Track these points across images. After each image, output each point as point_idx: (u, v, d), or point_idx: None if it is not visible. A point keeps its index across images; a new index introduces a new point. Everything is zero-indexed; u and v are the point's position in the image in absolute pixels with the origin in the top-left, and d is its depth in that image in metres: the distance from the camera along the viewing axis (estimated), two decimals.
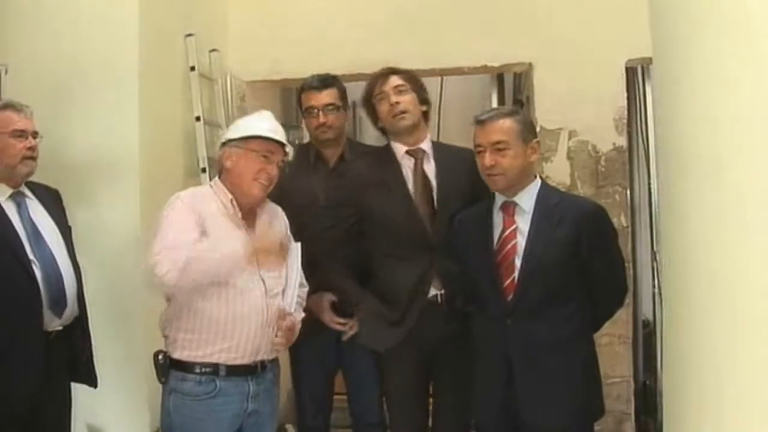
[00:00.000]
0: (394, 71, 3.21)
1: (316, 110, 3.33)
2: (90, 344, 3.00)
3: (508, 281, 2.77)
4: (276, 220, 2.88)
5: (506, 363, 2.76)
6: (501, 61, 4.31)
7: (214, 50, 4.14)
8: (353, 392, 3.40)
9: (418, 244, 3.07)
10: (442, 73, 4.55)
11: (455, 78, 5.00)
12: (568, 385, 2.76)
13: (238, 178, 2.74)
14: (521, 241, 2.77)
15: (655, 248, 4.22)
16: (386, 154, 3.21)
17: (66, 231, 2.96)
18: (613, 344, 4.01)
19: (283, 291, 2.79)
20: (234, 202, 2.74)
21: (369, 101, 3.23)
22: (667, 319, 2.23)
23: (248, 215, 2.79)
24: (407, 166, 3.15)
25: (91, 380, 3.00)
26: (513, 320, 2.75)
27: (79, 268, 2.95)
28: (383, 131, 3.26)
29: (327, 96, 3.36)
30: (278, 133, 2.79)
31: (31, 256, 2.73)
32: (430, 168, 3.15)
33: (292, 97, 4.69)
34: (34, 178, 2.97)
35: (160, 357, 2.71)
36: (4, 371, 2.63)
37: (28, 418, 2.72)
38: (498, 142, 2.74)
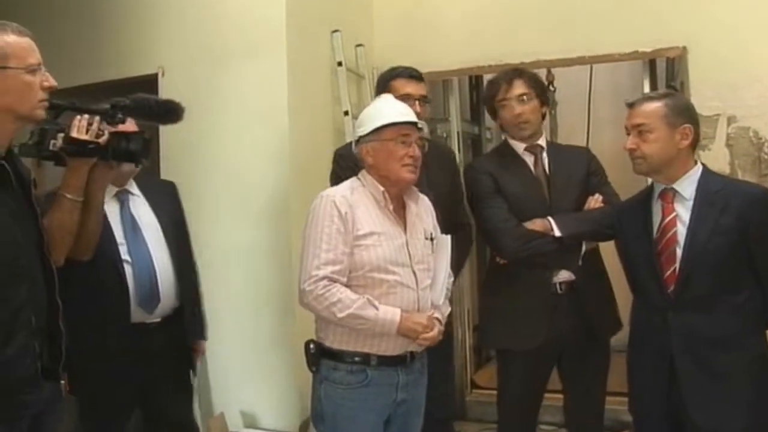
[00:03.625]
0: (520, 73, 3.28)
1: (410, 99, 3.30)
2: (196, 331, 3.08)
3: (669, 271, 2.68)
4: (424, 211, 2.87)
5: (667, 357, 2.67)
6: (653, 46, 4.18)
7: (360, 45, 4.21)
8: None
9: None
10: (592, 60, 4.45)
11: (605, 66, 4.90)
12: (737, 385, 2.63)
13: (384, 169, 2.73)
14: (682, 230, 2.69)
15: None
16: (506, 149, 3.34)
17: (173, 225, 3.01)
18: None
19: (432, 284, 2.79)
20: (386, 194, 2.75)
21: (491, 102, 3.32)
22: None
23: (398, 205, 2.79)
24: (528, 160, 3.28)
25: (191, 366, 3.09)
26: (675, 312, 2.66)
27: (187, 261, 3.02)
28: (502, 128, 3.39)
29: (423, 88, 3.41)
30: (406, 114, 2.77)
31: (125, 256, 2.82)
32: (545, 161, 3.28)
33: (440, 91, 4.74)
34: (175, 171, 3.10)
35: (311, 346, 2.75)
36: (98, 362, 2.75)
37: (141, 402, 2.90)
38: (640, 125, 2.71)
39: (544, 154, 3.30)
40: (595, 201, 3.23)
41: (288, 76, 3.59)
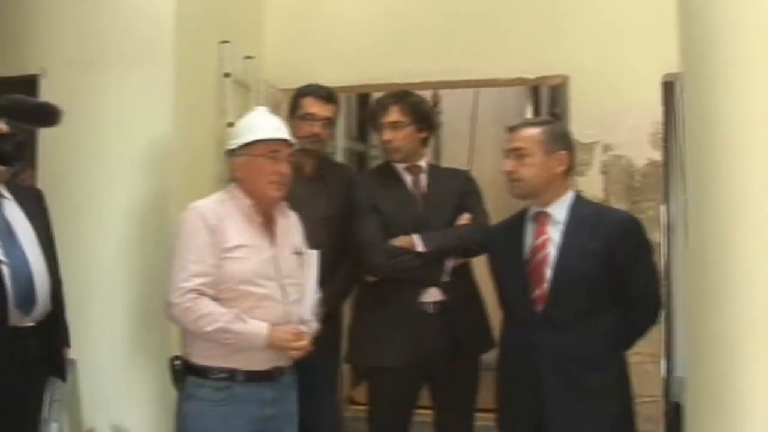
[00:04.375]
0: (397, 100, 3.35)
1: (313, 119, 3.39)
2: (62, 339, 3.00)
3: (539, 291, 2.78)
4: (292, 226, 2.91)
5: (535, 375, 2.75)
6: (536, 74, 4.30)
7: (249, 57, 4.17)
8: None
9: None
10: (477, 84, 4.57)
11: (490, 90, 5.02)
12: (601, 402, 2.74)
13: (252, 185, 2.76)
14: (552, 252, 2.78)
15: None
16: (388, 168, 3.43)
17: (44, 231, 2.93)
18: (644, 363, 3.94)
19: (301, 298, 2.81)
20: (254, 208, 2.76)
21: (372, 123, 3.44)
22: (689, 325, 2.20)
23: (266, 219, 2.80)
24: (407, 180, 3.38)
25: (61, 374, 3.00)
26: (543, 331, 2.75)
27: (56, 266, 2.94)
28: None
29: (329, 110, 3.46)
30: (278, 130, 2.79)
31: (1, 257, 2.74)
32: (424, 181, 3.38)
33: None
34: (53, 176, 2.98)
35: (176, 362, 2.72)
36: None
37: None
38: (518, 149, 2.81)
39: (423, 175, 3.37)
40: (464, 218, 3.31)
41: (174, 85, 3.53)
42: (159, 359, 3.39)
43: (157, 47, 3.54)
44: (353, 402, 4.79)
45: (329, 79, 3.75)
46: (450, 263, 3.24)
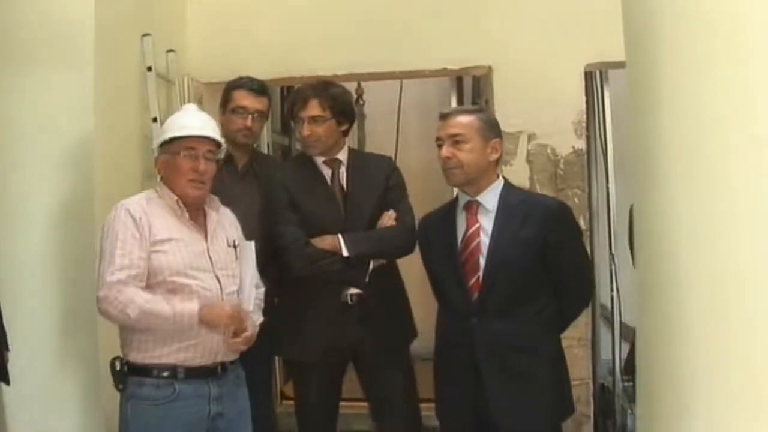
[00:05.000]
0: (316, 93, 3.26)
1: (245, 112, 3.36)
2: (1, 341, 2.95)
3: (473, 280, 2.81)
4: (227, 220, 2.89)
5: (472, 362, 2.78)
6: (460, 65, 4.35)
7: (171, 51, 4.12)
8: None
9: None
10: (402, 76, 4.59)
11: (414, 82, 5.05)
12: (538, 386, 2.79)
13: (173, 183, 2.76)
14: (485, 240, 2.81)
15: (612, 250, 4.30)
16: (305, 160, 3.36)
17: None
18: (572, 347, 4.00)
19: (239, 289, 2.80)
20: (180, 203, 2.75)
21: (291, 113, 3.34)
22: (644, 319, 2.26)
23: (197, 214, 2.80)
24: (326, 174, 3.31)
25: (4, 378, 2.97)
26: (478, 319, 2.78)
27: None
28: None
29: (261, 103, 3.43)
30: (198, 128, 2.76)
31: None
32: (343, 176, 3.31)
33: None
34: None
35: (117, 363, 2.68)
36: None
37: None
38: (456, 135, 2.80)
39: (342, 169, 3.32)
40: (388, 218, 3.27)
41: (95, 81, 3.45)
42: (86, 363, 3.38)
43: (76, 42, 3.45)
44: (286, 397, 4.78)
45: (253, 71, 3.71)
46: (371, 265, 3.24)
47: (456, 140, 2.81)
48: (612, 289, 4.34)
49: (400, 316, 3.36)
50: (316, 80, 3.59)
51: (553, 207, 2.94)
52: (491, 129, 2.87)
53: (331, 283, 3.21)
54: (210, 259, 2.73)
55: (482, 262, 2.80)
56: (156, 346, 2.64)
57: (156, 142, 2.78)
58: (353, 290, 3.22)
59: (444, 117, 2.88)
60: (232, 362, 2.78)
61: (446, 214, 2.96)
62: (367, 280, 3.21)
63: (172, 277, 2.65)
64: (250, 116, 3.37)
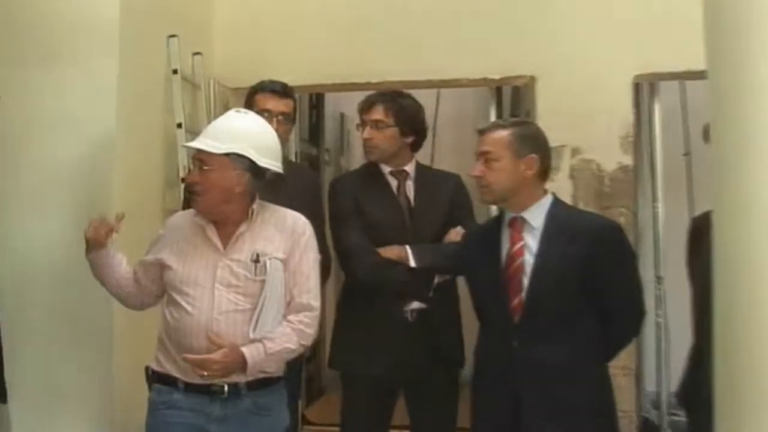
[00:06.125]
0: (383, 99, 3.33)
1: (270, 115, 3.28)
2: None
3: (516, 301, 2.73)
4: (270, 229, 2.75)
5: (512, 390, 2.69)
6: (501, 74, 4.26)
7: (197, 53, 4.06)
8: None
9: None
10: (439, 85, 4.51)
11: (451, 92, 4.98)
12: (583, 418, 2.68)
13: None
14: (529, 259, 2.73)
15: (660, 274, 4.17)
16: (372, 169, 3.39)
17: None
18: (615, 376, 3.77)
19: (258, 310, 2.66)
20: (205, 223, 2.73)
21: (359, 118, 3.39)
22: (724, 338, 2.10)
23: (224, 225, 2.73)
24: (393, 184, 3.35)
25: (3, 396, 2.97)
26: (520, 343, 2.70)
27: None
28: None
29: (285, 105, 3.38)
30: (202, 136, 2.72)
31: None
32: (410, 188, 3.35)
33: None
34: None
35: (149, 369, 2.75)
36: None
37: None
38: (486, 153, 2.76)
39: (409, 181, 3.36)
40: (455, 233, 3.26)
41: (118, 83, 3.40)
42: (99, 369, 3.32)
43: (100, 42, 3.41)
44: (308, 422, 4.69)
45: (282, 77, 3.62)
46: (437, 279, 3.23)
47: (486, 158, 2.76)
48: (658, 315, 4.16)
49: (457, 339, 3.33)
50: (350, 88, 3.55)
51: (604, 226, 2.88)
52: (526, 144, 2.77)
53: (392, 296, 3.21)
54: (215, 273, 2.66)
55: (525, 281, 2.72)
56: (164, 355, 2.70)
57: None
58: (415, 305, 3.23)
59: (480, 132, 2.84)
60: (249, 384, 2.65)
61: (491, 230, 2.89)
62: (431, 294, 3.21)
63: (170, 291, 2.71)
64: (274, 119, 3.28)
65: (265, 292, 2.65)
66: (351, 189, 3.34)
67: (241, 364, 2.58)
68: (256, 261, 2.67)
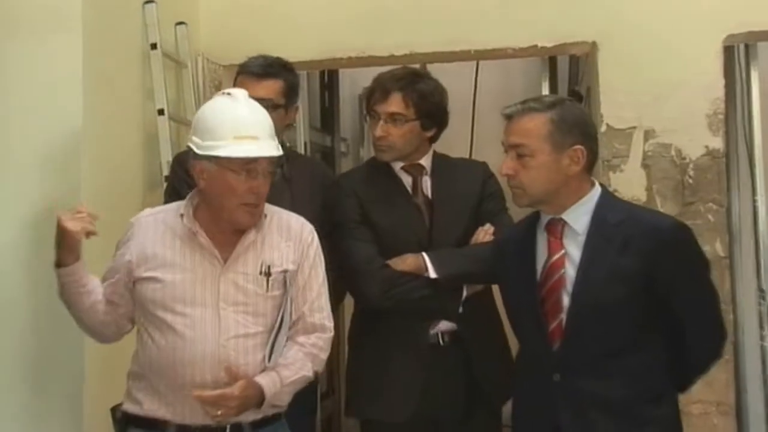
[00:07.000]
0: (402, 85, 3.27)
1: None
2: None
3: (554, 324, 2.68)
4: (278, 236, 2.78)
5: (555, 430, 2.65)
6: (555, 41, 4.22)
7: (181, 23, 4.10)
8: None
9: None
10: (479, 56, 4.45)
11: (494, 63, 4.97)
12: None
13: (217, 202, 2.70)
14: (570, 272, 2.67)
15: (763, 286, 4.07)
16: (381, 165, 3.41)
17: None
18: (709, 414, 3.87)
19: (275, 333, 2.70)
20: (197, 227, 2.71)
21: (367, 107, 3.40)
22: None
23: (228, 233, 2.74)
24: (406, 182, 3.38)
25: None
26: (562, 375, 2.64)
27: None
28: None
29: (264, 88, 3.32)
30: (261, 136, 2.68)
31: None
32: (427, 184, 3.38)
33: None
34: None
35: (118, 412, 2.73)
36: None
37: None
38: (517, 146, 2.67)
39: (426, 176, 3.38)
40: (484, 233, 3.26)
41: (83, 62, 3.38)
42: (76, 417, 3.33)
43: (59, 13, 3.39)
44: None
45: (286, 51, 3.66)
46: (466, 291, 3.20)
47: (518, 153, 2.67)
48: (762, 338, 4.10)
49: (500, 366, 3.27)
50: (367, 63, 3.61)
51: (664, 228, 2.71)
52: (569, 131, 2.66)
53: (415, 317, 3.21)
54: (217, 288, 2.67)
55: (566, 300, 2.65)
56: (146, 395, 2.68)
57: (199, 144, 2.67)
58: (444, 325, 3.23)
59: (507, 118, 2.74)
60: (254, 423, 2.69)
61: (525, 234, 2.83)
62: (460, 310, 3.20)
63: (152, 310, 2.68)
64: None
65: (283, 311, 2.71)
66: (356, 191, 3.33)
67: (259, 398, 2.62)
68: (268, 274, 2.70)
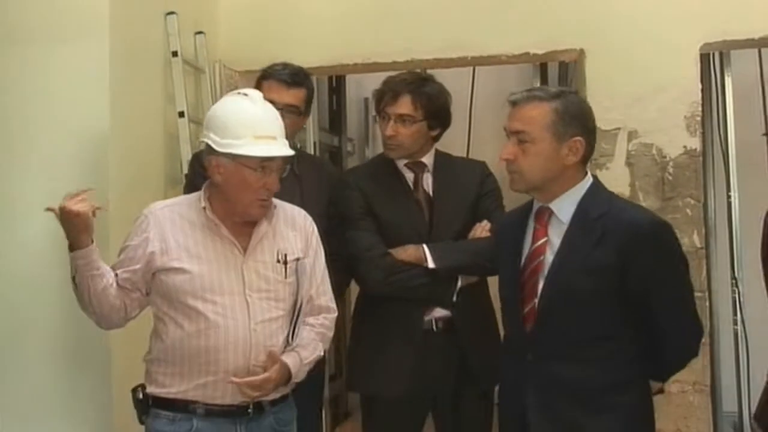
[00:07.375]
0: (412, 88, 3.39)
1: (276, 107, 3.32)
2: None
3: (529, 307, 2.69)
4: (286, 227, 2.91)
5: (522, 410, 2.67)
6: (546, 48, 4.34)
7: (200, 33, 4.21)
8: None
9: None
10: (475, 62, 4.58)
11: (489, 69, 5.06)
12: None
13: (232, 196, 2.79)
14: (549, 259, 2.67)
15: (736, 275, 4.21)
16: (384, 162, 3.53)
17: None
18: (686, 392, 3.93)
19: (296, 316, 2.85)
20: (211, 215, 2.81)
21: (377, 108, 3.50)
22: None
23: (242, 224, 2.84)
24: (409, 178, 3.49)
25: None
26: (533, 357, 2.67)
27: None
28: None
29: (292, 96, 3.47)
30: (278, 136, 2.80)
31: None
32: (428, 181, 3.48)
33: None
34: None
35: (139, 392, 2.79)
36: None
37: None
38: (520, 132, 2.65)
39: (427, 173, 3.45)
40: (481, 229, 3.37)
41: (110, 67, 3.49)
42: (97, 394, 3.42)
43: (88, 21, 3.49)
44: None
45: (296, 57, 3.78)
46: (460, 282, 3.33)
47: (520, 139, 2.65)
48: (735, 323, 4.22)
49: (491, 351, 3.26)
50: (372, 69, 3.58)
51: (640, 224, 2.66)
52: (571, 122, 2.64)
53: (412, 303, 3.32)
54: (242, 277, 2.78)
55: (541, 285, 2.67)
56: (174, 380, 2.75)
57: (217, 141, 2.75)
58: (438, 312, 3.33)
59: (512, 104, 2.70)
60: (273, 401, 2.82)
61: (518, 221, 2.84)
62: (454, 299, 3.31)
63: (181, 298, 2.74)
64: (279, 112, 3.36)
65: (301, 295, 2.85)
66: (361, 186, 3.44)
67: (287, 377, 2.77)
68: (285, 262, 2.84)
